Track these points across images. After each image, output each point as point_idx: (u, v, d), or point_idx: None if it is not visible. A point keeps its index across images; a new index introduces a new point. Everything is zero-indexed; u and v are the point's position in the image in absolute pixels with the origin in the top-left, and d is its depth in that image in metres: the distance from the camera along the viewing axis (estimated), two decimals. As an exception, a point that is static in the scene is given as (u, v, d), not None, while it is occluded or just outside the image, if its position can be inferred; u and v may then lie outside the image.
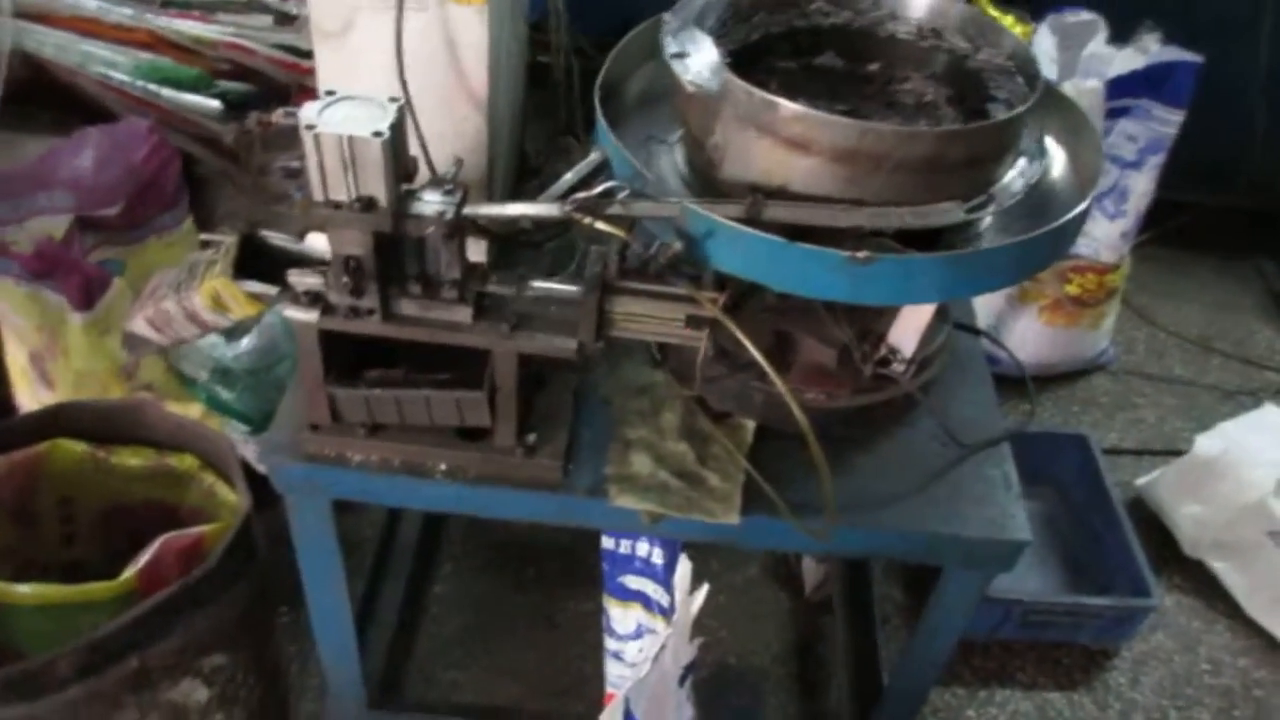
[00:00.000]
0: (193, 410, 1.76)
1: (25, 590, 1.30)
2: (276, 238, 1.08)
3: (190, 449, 1.52)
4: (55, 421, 1.49)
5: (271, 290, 1.06)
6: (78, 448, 1.49)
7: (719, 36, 1.09)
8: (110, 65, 1.92)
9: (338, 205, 0.97)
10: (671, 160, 1.16)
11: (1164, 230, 2.60)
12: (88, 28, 1.93)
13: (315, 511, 1.23)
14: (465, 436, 1.17)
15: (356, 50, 1.14)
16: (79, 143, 1.63)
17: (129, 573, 1.34)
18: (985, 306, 2.24)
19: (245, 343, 1.61)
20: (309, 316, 1.05)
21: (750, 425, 1.23)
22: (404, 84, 1.13)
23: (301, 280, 1.05)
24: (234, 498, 1.47)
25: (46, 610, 1.31)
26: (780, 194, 1.02)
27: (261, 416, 1.76)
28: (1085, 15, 2.15)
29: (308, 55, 2.02)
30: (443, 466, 1.17)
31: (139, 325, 1.12)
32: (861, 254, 0.94)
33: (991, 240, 1.07)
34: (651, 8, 1.16)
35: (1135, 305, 2.63)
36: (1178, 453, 2.10)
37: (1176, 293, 2.74)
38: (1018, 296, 2.28)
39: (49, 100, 2.00)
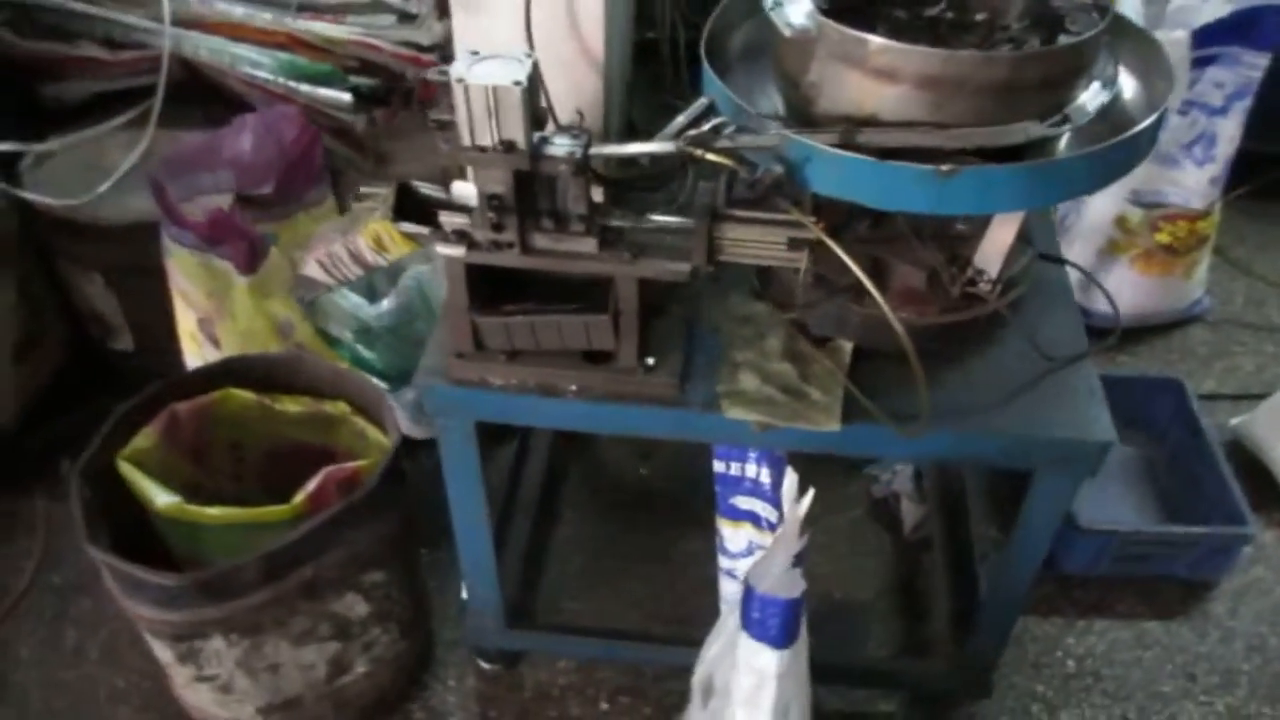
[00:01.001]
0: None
1: (213, 511, 1.49)
2: (426, 187, 1.24)
3: (343, 395, 1.70)
4: (227, 373, 1.69)
5: (424, 230, 1.22)
6: (246, 395, 1.68)
7: (813, -11, 1.22)
8: (255, 65, 2.13)
9: (483, 149, 1.13)
10: (769, 104, 1.28)
11: (1258, 184, 2.61)
12: (235, 31, 2.15)
13: (461, 432, 1.39)
14: (591, 360, 1.32)
15: (491, 18, 1.30)
16: (238, 128, 1.84)
17: (299, 497, 1.52)
18: (1077, 257, 2.30)
19: (386, 303, 1.79)
20: (457, 251, 1.21)
21: (848, 346, 1.35)
22: (531, 47, 1.28)
23: (450, 220, 1.21)
24: (382, 438, 1.65)
25: (230, 529, 1.50)
26: (870, 122, 1.14)
27: (399, 372, 1.94)
28: (1167, -34, 2.20)
29: (429, 50, 2.21)
30: (572, 387, 1.32)
31: (310, 268, 1.29)
32: (945, 167, 1.06)
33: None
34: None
35: (1231, 257, 2.65)
36: (1276, 396, 2.13)
37: (1272, 244, 2.74)
38: (1108, 248, 2.34)
39: (201, 98, 2.23)
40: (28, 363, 2.08)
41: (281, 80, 2.13)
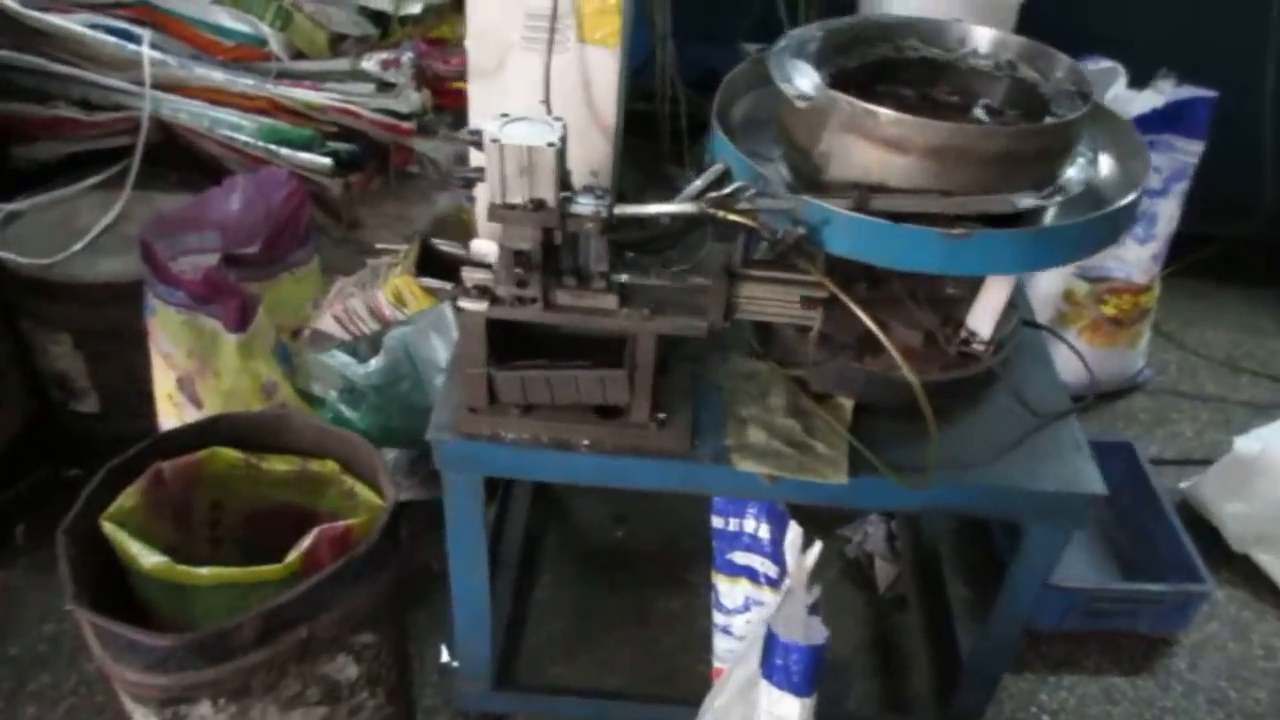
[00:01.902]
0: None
1: (205, 571, 1.46)
2: (447, 245, 1.27)
3: (332, 454, 1.69)
4: (213, 431, 1.67)
5: (447, 286, 1.24)
6: (233, 454, 1.66)
7: (818, 65, 1.29)
8: (235, 128, 2.15)
9: (513, 206, 1.17)
10: (774, 169, 1.35)
11: (1190, 262, 2.78)
12: (215, 96, 2.17)
13: (470, 488, 1.40)
14: (604, 415, 1.34)
15: (507, 84, 1.35)
16: (228, 189, 1.85)
17: (293, 555, 1.50)
18: (1028, 329, 2.41)
19: (374, 363, 1.79)
20: (480, 306, 1.24)
21: (848, 403, 1.40)
22: (549, 113, 1.33)
23: (472, 276, 1.24)
24: (374, 497, 1.64)
25: (220, 589, 1.47)
26: (879, 189, 1.21)
27: (382, 433, 1.93)
28: (1105, 63, 2.37)
29: (406, 118, 2.25)
30: (585, 441, 1.34)
31: (326, 322, 1.30)
32: (957, 230, 1.13)
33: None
34: (731, 59, 1.38)
35: (1165, 330, 2.81)
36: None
37: (1203, 319, 2.91)
38: (1058, 319, 2.46)
39: (175, 160, 2.23)
40: (-16, 431, 2.02)
41: (261, 144, 2.15)
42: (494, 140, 1.13)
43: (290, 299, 1.95)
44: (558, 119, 1.18)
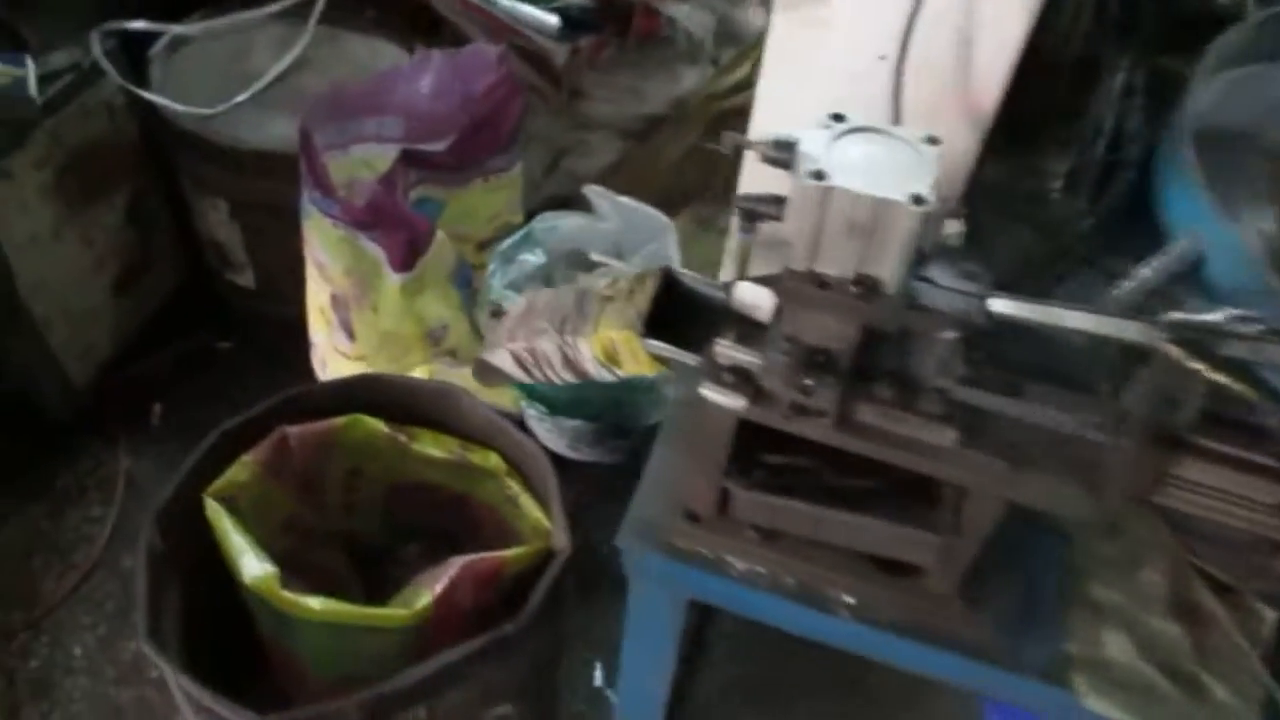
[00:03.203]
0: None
1: (314, 604, 1.13)
2: (698, 280, 0.80)
3: (498, 447, 1.31)
4: (358, 394, 1.31)
5: (689, 359, 0.79)
6: (378, 427, 1.30)
7: None
8: (449, -35, 1.68)
9: (825, 283, 0.68)
10: (1258, 239, 0.79)
11: None
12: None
13: (668, 605, 0.98)
14: (883, 566, 0.88)
15: (832, 19, 0.82)
16: (419, 66, 1.40)
17: (424, 600, 1.15)
18: None
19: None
20: (734, 402, 0.77)
21: (1271, 616, 0.89)
22: (898, 87, 0.81)
23: (729, 353, 0.77)
24: (539, 515, 1.26)
25: (336, 628, 1.14)
26: None
27: (566, 402, 1.54)
28: None
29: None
30: (848, 599, 0.89)
31: (502, 358, 0.87)
32: None
33: None
34: None
35: None
36: None
37: None
38: None
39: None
40: (130, 295, 1.73)
41: (478, -10, 1.68)
42: (816, 175, 0.64)
43: (480, 210, 1.53)
44: (930, 140, 0.66)
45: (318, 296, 1.51)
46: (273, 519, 1.31)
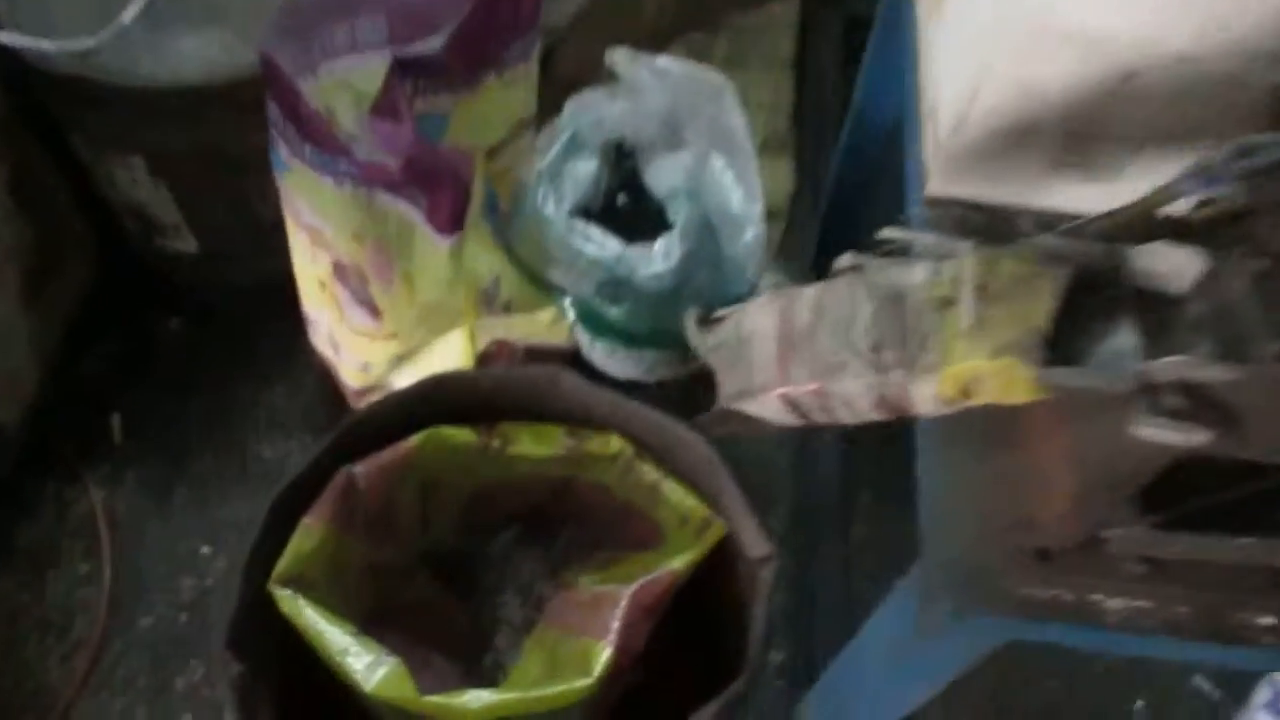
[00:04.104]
0: (542, 317, 1.26)
1: (476, 705, 0.87)
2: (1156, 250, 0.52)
3: (619, 427, 1.02)
4: (429, 402, 1.00)
5: (1104, 380, 0.51)
6: (462, 437, 1.00)
7: None
8: None
9: None
10: None
11: None
12: None
13: (963, 653, 0.75)
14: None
15: None
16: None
17: (604, 657, 0.90)
18: None
19: (675, 256, 1.07)
20: (1191, 438, 0.51)
21: None
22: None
23: (1183, 371, 0.50)
24: (695, 504, 0.99)
25: (500, 721, 0.89)
26: None
27: (651, 335, 1.24)
28: None
29: None
30: (1268, 620, 0.66)
31: (767, 406, 0.58)
32: None
33: None
34: None
35: None
36: None
37: None
38: None
39: None
40: (43, 300, 1.33)
41: None
42: None
43: (494, 114, 1.16)
44: None
45: (311, 268, 1.15)
46: (350, 577, 1.03)
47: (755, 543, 0.91)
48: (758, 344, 0.58)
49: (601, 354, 1.32)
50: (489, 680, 1.11)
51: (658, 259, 1.07)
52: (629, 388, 1.31)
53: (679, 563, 0.95)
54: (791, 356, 0.56)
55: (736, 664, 0.93)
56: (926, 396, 0.53)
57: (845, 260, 0.56)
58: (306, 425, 1.47)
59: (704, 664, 1.05)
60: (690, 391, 1.40)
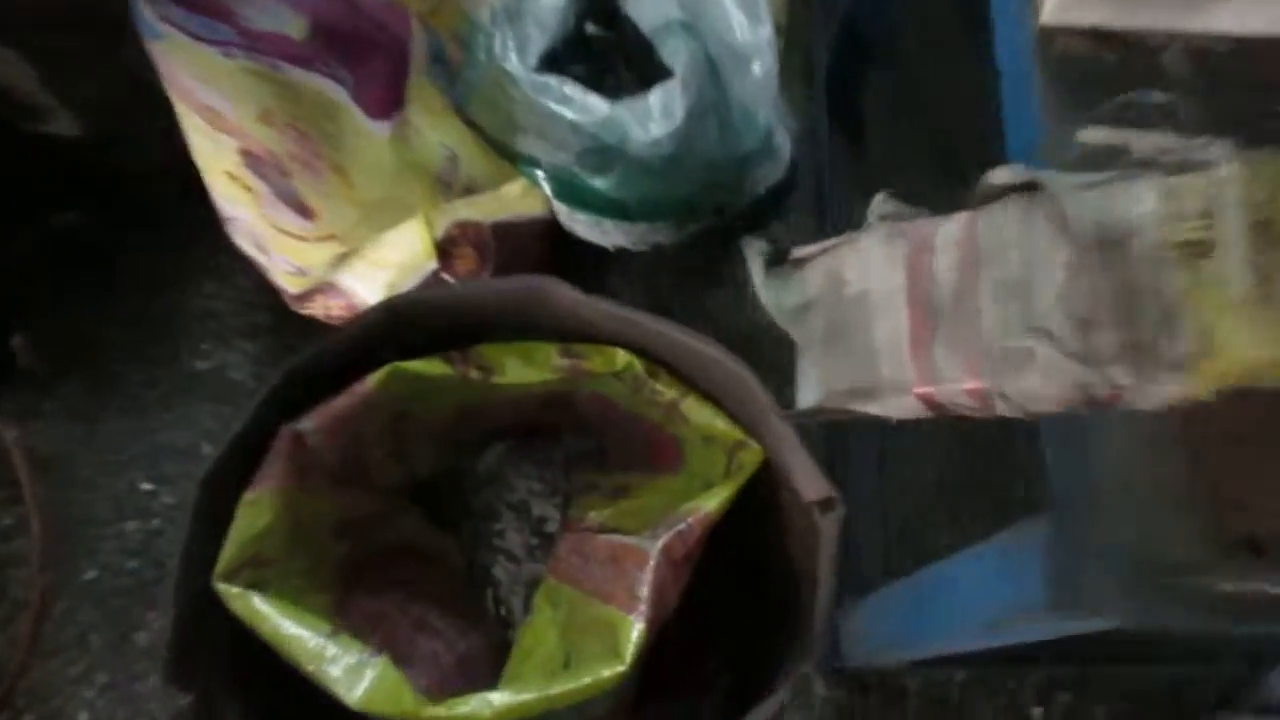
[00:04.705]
0: (510, 189, 1.03)
1: (488, 711, 0.71)
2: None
3: (626, 343, 0.83)
4: (382, 334, 0.80)
5: None
6: (431, 368, 0.81)
7: None
8: None
9: None
10: None
11: None
12: None
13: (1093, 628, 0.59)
14: None
15: None
16: None
17: (634, 634, 0.75)
18: None
19: (678, 113, 0.84)
20: None
21: None
22: None
23: None
24: (727, 427, 0.82)
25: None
26: None
27: (640, 203, 1.02)
28: None
29: None
30: None
31: (898, 406, 0.39)
32: None
33: None
34: None
35: None
36: None
37: None
38: None
39: None
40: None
41: None
42: None
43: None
44: None
45: (215, 159, 0.91)
46: (318, 539, 0.86)
47: (812, 482, 0.73)
48: (876, 311, 0.38)
49: (585, 226, 1.11)
50: (494, 633, 0.97)
51: (656, 119, 0.84)
52: (618, 255, 1.12)
53: (711, 503, 0.79)
54: (933, 335, 0.36)
55: (778, 626, 0.78)
56: (1167, 396, 0.34)
57: (1003, 175, 0.36)
58: (246, 330, 1.26)
59: (722, 622, 0.90)
60: (689, 258, 1.21)
